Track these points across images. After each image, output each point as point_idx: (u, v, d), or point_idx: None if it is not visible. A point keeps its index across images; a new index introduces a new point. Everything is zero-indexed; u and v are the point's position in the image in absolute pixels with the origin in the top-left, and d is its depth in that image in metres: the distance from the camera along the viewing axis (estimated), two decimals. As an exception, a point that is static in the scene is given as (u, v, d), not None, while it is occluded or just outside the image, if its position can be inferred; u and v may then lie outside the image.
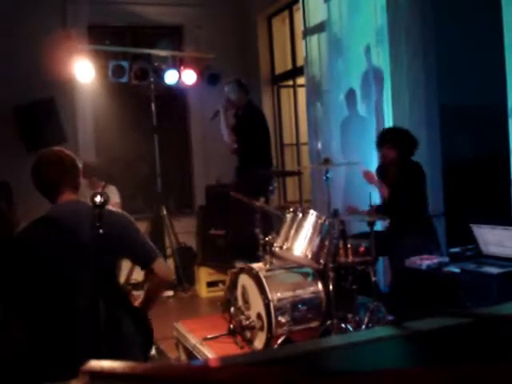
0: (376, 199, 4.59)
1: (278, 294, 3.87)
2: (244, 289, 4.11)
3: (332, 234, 3.83)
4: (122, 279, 5.30)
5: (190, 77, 6.51)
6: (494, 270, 3.40)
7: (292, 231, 3.87)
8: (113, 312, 2.30)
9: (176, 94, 7.20)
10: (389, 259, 4.55)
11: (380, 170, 4.67)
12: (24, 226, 2.43)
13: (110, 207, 2.34)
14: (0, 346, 2.37)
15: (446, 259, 3.79)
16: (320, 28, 5.91)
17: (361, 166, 4.68)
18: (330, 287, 3.80)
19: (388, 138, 4.43)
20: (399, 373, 0.73)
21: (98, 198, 2.11)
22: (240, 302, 4.15)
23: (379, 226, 4.48)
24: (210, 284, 6.12)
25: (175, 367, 0.82)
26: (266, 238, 4.12)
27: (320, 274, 4.02)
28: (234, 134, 5.78)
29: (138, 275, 5.68)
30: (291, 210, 4.01)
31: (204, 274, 6.15)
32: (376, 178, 4.65)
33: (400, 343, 1.14)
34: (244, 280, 4.11)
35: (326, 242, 3.80)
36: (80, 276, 2.30)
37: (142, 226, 4.64)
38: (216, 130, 5.99)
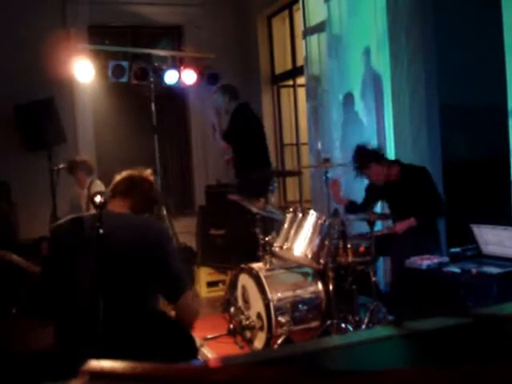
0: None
1: (278, 294, 3.87)
2: (244, 289, 4.11)
3: (332, 234, 3.83)
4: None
5: (189, 77, 6.49)
6: (493, 270, 3.39)
7: (292, 231, 3.87)
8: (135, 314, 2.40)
9: (176, 93, 7.19)
10: (389, 259, 4.55)
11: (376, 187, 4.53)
12: (63, 220, 2.58)
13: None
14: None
15: (446, 259, 3.78)
16: (320, 28, 5.90)
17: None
18: (330, 287, 3.80)
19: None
20: (399, 373, 0.73)
21: (98, 198, 2.10)
22: (240, 302, 4.15)
23: (379, 225, 4.47)
24: (210, 284, 6.11)
25: (175, 367, 0.82)
26: (266, 238, 4.12)
27: (320, 274, 4.02)
28: (226, 141, 5.71)
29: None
30: (291, 210, 4.01)
31: (204, 274, 6.14)
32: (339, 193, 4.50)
33: (400, 343, 1.14)
34: (244, 280, 4.11)
35: (326, 242, 3.80)
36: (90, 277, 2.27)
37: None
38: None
